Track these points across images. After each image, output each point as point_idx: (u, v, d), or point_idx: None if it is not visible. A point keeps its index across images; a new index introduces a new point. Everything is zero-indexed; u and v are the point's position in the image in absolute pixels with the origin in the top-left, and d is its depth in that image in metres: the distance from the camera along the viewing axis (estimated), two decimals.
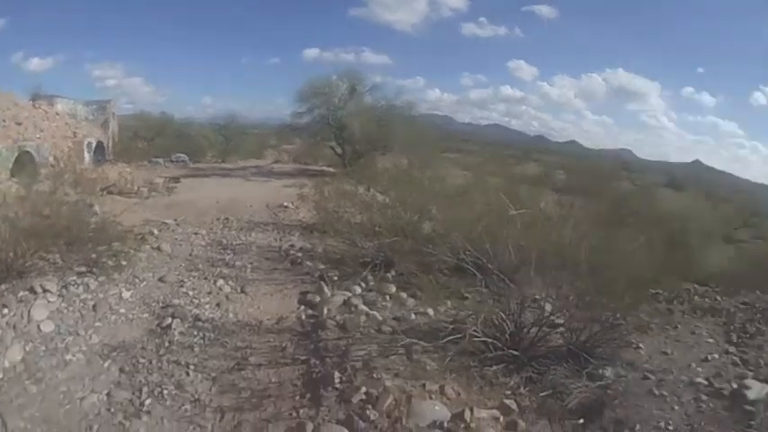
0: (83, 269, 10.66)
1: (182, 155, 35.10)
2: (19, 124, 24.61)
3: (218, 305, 10.27)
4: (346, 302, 10.35)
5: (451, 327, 7.91)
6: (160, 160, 33.59)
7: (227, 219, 17.87)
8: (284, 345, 8.70)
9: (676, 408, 6.69)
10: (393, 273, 11.93)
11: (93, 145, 29.70)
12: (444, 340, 7.60)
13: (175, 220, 17.43)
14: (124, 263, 11.49)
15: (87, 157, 28.64)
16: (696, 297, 12.00)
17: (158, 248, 13.61)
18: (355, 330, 8.91)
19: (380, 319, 9.47)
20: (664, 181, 50.78)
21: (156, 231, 15.58)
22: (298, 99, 32.85)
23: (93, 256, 10.89)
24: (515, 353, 7.60)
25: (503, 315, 8.11)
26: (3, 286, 9.30)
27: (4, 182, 19.84)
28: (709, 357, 8.43)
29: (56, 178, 21.75)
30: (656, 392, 7.04)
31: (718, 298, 12.21)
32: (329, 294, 10.67)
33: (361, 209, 14.84)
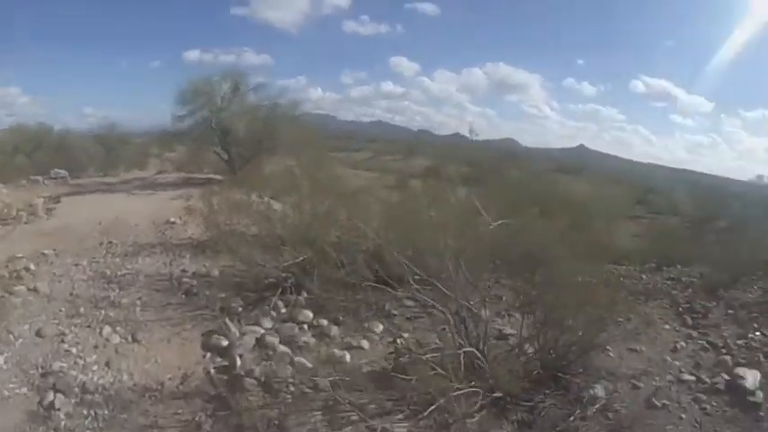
0: None
1: (61, 171, 32.33)
2: None
3: (107, 364, 9.15)
4: (260, 342, 9.53)
5: (400, 365, 7.37)
6: (39, 178, 30.78)
7: (110, 243, 16.61)
8: (197, 418, 7.57)
9: (683, 416, 6.68)
10: (305, 294, 11.25)
11: None
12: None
13: (54, 249, 15.94)
14: None
15: None
16: (622, 279, 11.91)
17: (35, 289, 12.33)
18: (284, 390, 7.96)
19: (310, 366, 8.61)
20: (553, 167, 51.83)
21: (32, 266, 14.25)
22: (178, 101, 30.97)
23: None
24: (496, 394, 6.82)
25: (462, 342, 7.43)
26: None
27: None
28: (678, 347, 8.56)
29: None
30: (657, 403, 6.96)
31: (644, 276, 12.34)
32: (237, 333, 9.80)
33: (257, 220, 14.01)
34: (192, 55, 70.56)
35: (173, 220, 19.08)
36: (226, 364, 9.00)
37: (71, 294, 12.36)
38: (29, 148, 37.06)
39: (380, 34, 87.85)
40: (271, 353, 9.17)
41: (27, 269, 14.09)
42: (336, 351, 9.09)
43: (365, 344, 9.24)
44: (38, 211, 22.44)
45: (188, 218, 19.20)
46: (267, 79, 31.69)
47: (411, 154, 59.04)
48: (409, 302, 10.09)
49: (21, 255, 15.52)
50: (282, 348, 9.18)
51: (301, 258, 11.32)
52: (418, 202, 10.34)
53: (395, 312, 9.76)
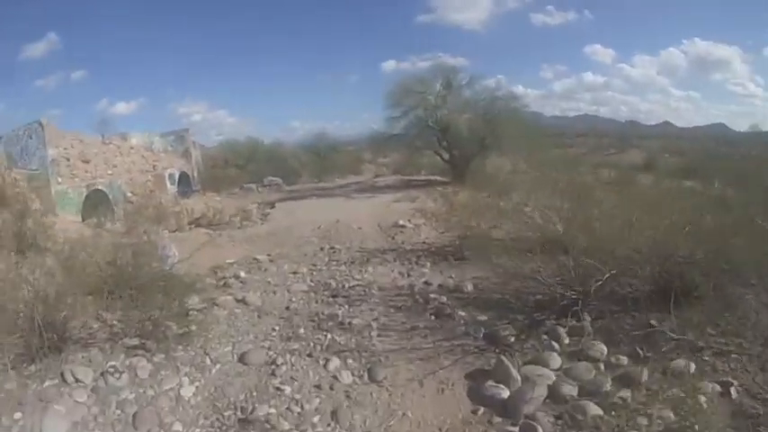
0: (135, 341, 7.30)
1: (275, 178, 31.94)
2: (87, 162, 22.29)
3: (334, 416, 5.94)
4: (553, 392, 5.91)
5: None
6: (252, 186, 30.57)
7: (332, 248, 14.05)
8: None
9: None
10: (587, 318, 7.56)
11: (177, 176, 27.08)
12: None
13: (269, 255, 13.93)
14: (194, 327, 7.90)
15: (171, 189, 25.90)
16: None
17: (243, 300, 9.83)
18: None
19: None
20: None
21: (243, 274, 12.01)
22: (390, 103, 28.25)
23: (150, 319, 7.50)
24: None
25: None
26: (33, 367, 6.30)
27: (71, 224, 17.37)
28: None
29: (132, 215, 19.27)
30: None
31: None
32: (518, 378, 6.17)
33: (517, 224, 10.81)
34: (389, 65, 70.52)
35: (402, 222, 16.04)
36: (512, 430, 5.40)
37: (287, 309, 9.49)
38: (241, 161, 37.22)
39: (569, 22, 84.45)
40: (578, 415, 5.36)
41: (236, 277, 11.81)
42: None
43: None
44: (252, 215, 21.32)
45: (419, 220, 16.25)
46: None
47: (623, 147, 53.61)
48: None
49: (231, 260, 13.59)
50: (592, 407, 5.43)
51: (606, 274, 7.43)
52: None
53: (701, 344, 5.94)
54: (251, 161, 37.44)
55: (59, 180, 19.53)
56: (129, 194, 22.76)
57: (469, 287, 9.73)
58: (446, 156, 28.46)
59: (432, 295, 9.53)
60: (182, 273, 9.00)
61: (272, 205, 24.02)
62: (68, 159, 21.22)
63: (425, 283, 10.44)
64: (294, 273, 11.96)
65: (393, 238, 14.77)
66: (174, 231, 19.48)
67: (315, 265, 12.51)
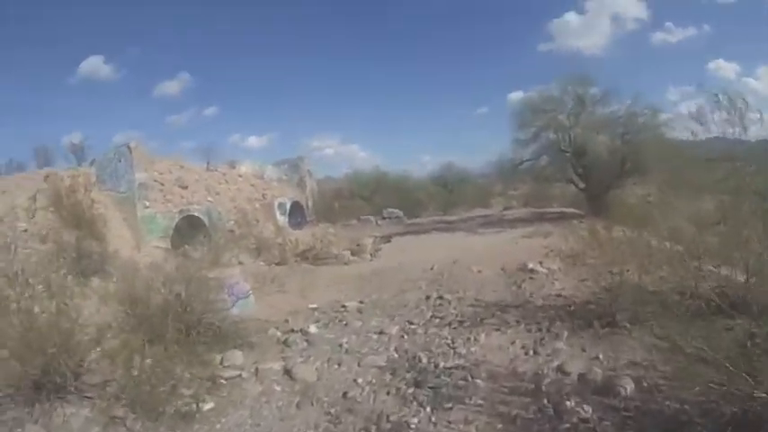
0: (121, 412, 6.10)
1: (395, 210, 29.12)
2: (184, 188, 20.57)
3: None
4: None
5: None
6: (371, 218, 27.91)
7: (440, 298, 10.82)
8: None
9: None
10: None
11: (287, 206, 24.88)
12: None
13: (362, 301, 11.48)
14: (207, 406, 6.35)
15: (281, 219, 23.74)
16: None
17: (290, 374, 7.06)
18: None
19: None
20: None
21: (314, 329, 9.32)
22: (518, 124, 24.05)
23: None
24: None
25: None
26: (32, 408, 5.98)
27: (154, 250, 16.86)
28: None
29: (225, 244, 17.29)
30: None
31: None
32: None
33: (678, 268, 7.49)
34: (516, 96, 66.80)
35: (531, 266, 12.28)
36: None
37: (344, 397, 6.36)
38: (366, 192, 34.77)
39: (690, 38, 77.98)
40: None
41: (305, 332, 9.18)
42: None
43: None
44: (365, 250, 18.81)
45: (553, 263, 12.43)
46: (595, 107, 23.16)
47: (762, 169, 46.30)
48: None
49: (314, 305, 11.39)
50: None
51: None
52: None
53: None
54: (376, 192, 34.76)
55: (147, 204, 17.91)
56: (232, 222, 20.76)
57: (628, 387, 5.72)
58: (581, 184, 24.20)
59: (568, 402, 5.60)
60: (247, 318, 8.52)
61: (389, 239, 21.49)
62: (162, 184, 19.58)
63: (559, 370, 6.52)
64: (380, 333, 8.87)
65: (519, 286, 11.09)
66: (275, 264, 17.77)
67: (410, 323, 9.31)
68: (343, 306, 10.93)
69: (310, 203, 27.47)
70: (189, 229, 18.90)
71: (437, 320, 9.38)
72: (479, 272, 12.65)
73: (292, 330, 9.26)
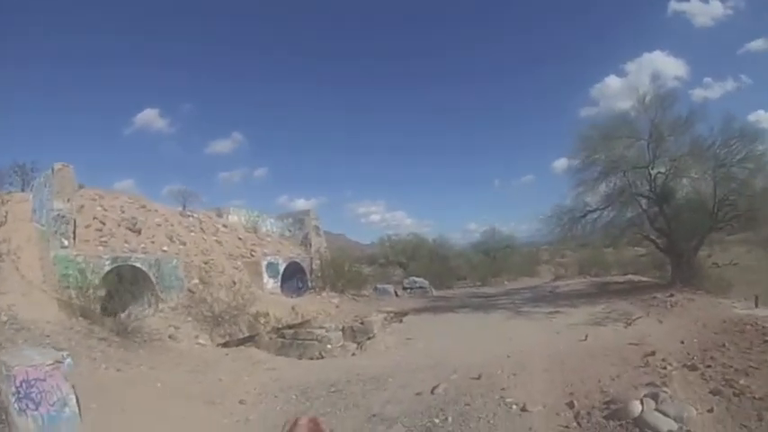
0: None
1: (418, 279, 23.18)
2: (136, 231, 15.72)
3: None
4: None
5: None
6: (389, 287, 21.79)
7: None
8: None
9: None
10: None
11: (280, 267, 18.64)
12: None
13: None
14: None
15: (270, 282, 17.76)
16: None
17: None
18: None
19: None
20: None
21: None
22: (580, 159, 16.97)
23: None
24: None
25: None
26: None
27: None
28: None
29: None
30: None
31: None
32: None
33: None
34: (560, 164, 62.62)
35: (638, 403, 5.68)
36: None
37: None
38: (402, 258, 30.34)
39: (728, 92, 73.77)
40: None
41: None
42: None
43: None
44: (370, 330, 14.51)
45: (681, 389, 6.18)
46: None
47: None
48: None
49: None
50: None
51: None
52: None
53: None
54: (413, 259, 29.78)
55: (65, 243, 12.94)
56: (195, 282, 14.98)
57: None
58: (661, 241, 17.03)
59: None
60: None
61: (401, 318, 15.88)
62: (103, 222, 15.18)
63: None
64: None
65: None
66: (220, 345, 13.28)
67: None
68: None
69: (315, 266, 21.22)
70: (133, 284, 13.31)
71: None
72: (523, 410, 6.39)
73: None
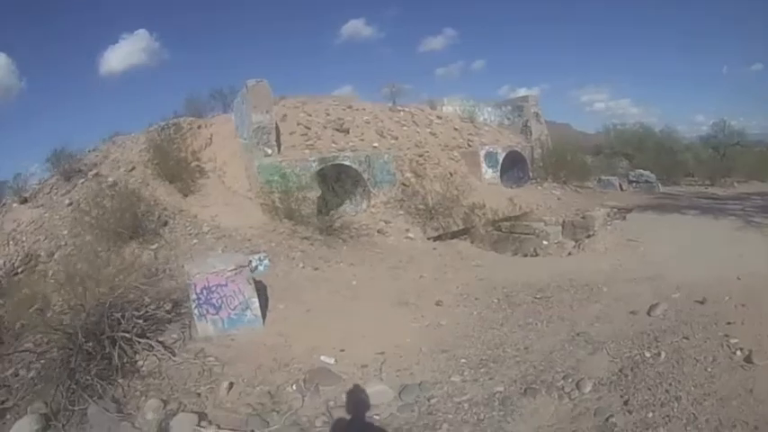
0: None
1: (645, 172, 21.91)
2: (343, 131, 16.27)
3: None
4: None
5: None
6: (614, 180, 21.08)
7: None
8: None
9: None
10: None
11: (499, 157, 18.53)
12: None
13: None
14: None
15: (489, 172, 17.84)
16: None
17: None
18: None
19: None
20: None
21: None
22: None
23: None
24: None
25: None
26: None
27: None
28: None
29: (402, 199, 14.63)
30: None
31: None
32: None
33: None
34: None
35: None
36: None
37: None
38: (629, 149, 29.00)
39: None
40: None
41: None
42: None
43: None
44: (591, 225, 13.96)
45: None
46: None
47: None
48: None
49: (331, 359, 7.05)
50: None
51: None
52: None
53: None
54: (639, 150, 28.30)
55: (268, 152, 13.69)
56: (409, 175, 15.79)
57: None
58: None
59: None
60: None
61: (624, 215, 15.31)
62: (308, 127, 15.70)
63: None
64: None
65: None
66: (433, 238, 13.68)
67: None
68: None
69: (536, 155, 21.05)
70: (343, 182, 14.39)
71: None
72: (747, 361, 5.48)
73: None
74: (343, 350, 7.08)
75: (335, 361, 6.83)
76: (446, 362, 6.90)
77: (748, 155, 28.81)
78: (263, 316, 7.88)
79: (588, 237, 13.05)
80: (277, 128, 14.29)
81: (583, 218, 14.42)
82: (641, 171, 21.84)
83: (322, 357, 6.86)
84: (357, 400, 5.87)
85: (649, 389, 5.26)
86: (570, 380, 5.87)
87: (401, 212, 13.98)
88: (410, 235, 13.23)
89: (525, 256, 12.91)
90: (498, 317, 8.27)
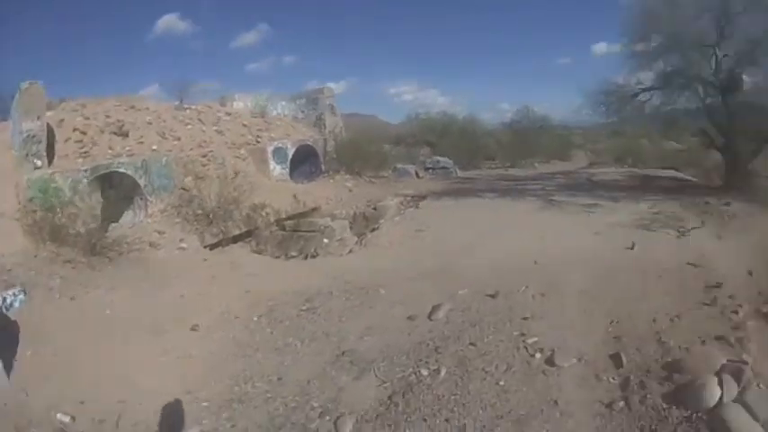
0: None
1: (442, 159, 21.29)
2: (122, 135, 13.96)
3: None
4: None
5: None
6: (410, 168, 19.92)
7: None
8: None
9: None
10: None
11: (289, 152, 17.09)
12: None
13: None
14: None
15: (278, 168, 16.23)
16: None
17: None
18: None
19: None
20: None
21: None
22: (633, 37, 14.07)
23: None
24: None
25: None
26: None
27: None
28: None
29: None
30: None
31: None
32: None
33: None
34: (600, 48, 59.25)
35: (720, 366, 4.09)
36: None
37: None
38: (432, 137, 28.61)
39: None
40: None
41: None
42: None
43: None
44: (383, 216, 13.12)
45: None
46: None
47: None
48: None
49: None
50: None
51: None
52: None
53: None
54: (443, 138, 27.88)
55: (38, 164, 11.38)
56: (190, 178, 13.61)
57: None
58: (719, 139, 14.31)
59: None
60: None
61: (418, 202, 14.32)
62: (84, 132, 13.34)
63: None
64: None
65: None
66: (206, 246, 11.63)
67: None
68: None
69: (330, 148, 19.58)
70: (125, 190, 12.27)
71: None
72: (549, 363, 4.60)
73: None
74: (82, 402, 5.46)
75: (72, 419, 5.30)
76: (187, 407, 5.56)
77: (551, 136, 29.51)
78: (10, 368, 6.03)
79: (373, 231, 11.70)
80: (52, 135, 12.07)
81: (374, 209, 13.43)
82: (438, 158, 21.12)
83: (58, 416, 5.38)
84: None
85: (425, 419, 4.51)
86: (327, 418, 4.92)
87: (178, 220, 12.13)
88: (183, 245, 11.16)
89: (306, 257, 11.14)
90: (255, 339, 6.82)
